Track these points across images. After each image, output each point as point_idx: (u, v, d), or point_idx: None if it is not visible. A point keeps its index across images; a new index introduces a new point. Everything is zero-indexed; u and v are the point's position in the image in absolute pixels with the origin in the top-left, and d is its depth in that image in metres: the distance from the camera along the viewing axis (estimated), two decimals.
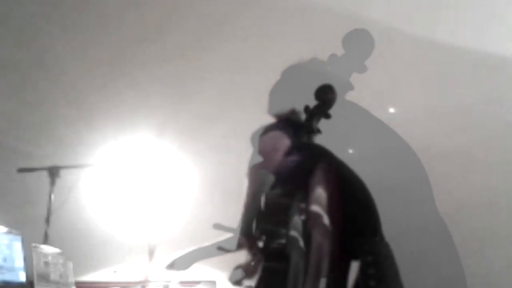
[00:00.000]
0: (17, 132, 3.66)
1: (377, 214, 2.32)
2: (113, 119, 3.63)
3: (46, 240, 3.13)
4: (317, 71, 2.66)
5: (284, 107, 2.51)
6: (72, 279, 2.94)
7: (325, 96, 2.35)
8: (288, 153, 2.35)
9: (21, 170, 3.34)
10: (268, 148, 2.41)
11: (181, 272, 2.77)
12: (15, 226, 2.80)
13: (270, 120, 2.56)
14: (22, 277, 2.71)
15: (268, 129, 2.44)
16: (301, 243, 2.19)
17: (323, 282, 2.12)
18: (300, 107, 2.40)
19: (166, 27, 3.59)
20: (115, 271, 3.34)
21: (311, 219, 2.20)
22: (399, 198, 2.81)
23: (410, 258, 2.42)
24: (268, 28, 3.47)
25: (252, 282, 2.29)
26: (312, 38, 3.29)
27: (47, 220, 3.20)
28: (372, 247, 2.27)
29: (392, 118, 3.08)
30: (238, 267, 2.26)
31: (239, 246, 2.45)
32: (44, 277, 2.75)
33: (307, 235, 2.19)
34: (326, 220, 2.18)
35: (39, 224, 3.19)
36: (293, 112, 2.46)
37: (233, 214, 2.53)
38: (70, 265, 2.96)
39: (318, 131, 2.35)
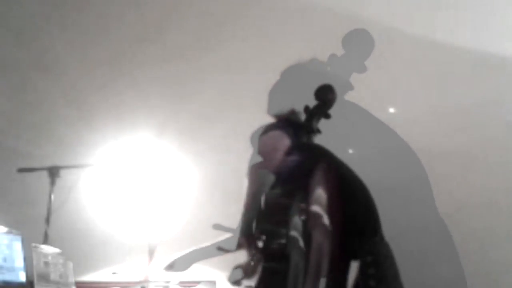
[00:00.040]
0: (17, 132, 3.65)
1: (377, 214, 2.32)
2: (113, 119, 3.62)
3: (46, 240, 3.13)
4: (317, 71, 2.66)
5: (284, 107, 2.51)
6: (72, 279, 2.94)
7: (325, 96, 2.35)
8: (288, 153, 2.35)
9: (21, 170, 3.34)
10: (268, 148, 2.42)
11: (181, 272, 2.78)
12: (15, 226, 2.80)
13: (270, 120, 2.56)
14: (22, 277, 2.71)
15: (268, 129, 2.45)
16: (301, 243, 2.19)
17: (323, 282, 2.13)
18: (299, 108, 2.40)
19: (166, 27, 3.59)
20: (114, 273, 3.34)
21: (311, 219, 2.20)
22: (399, 198, 2.82)
23: (410, 258, 2.42)
24: (268, 28, 3.47)
25: (251, 282, 2.29)
26: (312, 38, 3.29)
27: (47, 220, 3.20)
28: (372, 247, 2.27)
29: (392, 118, 3.08)
30: (237, 267, 2.26)
31: (239, 246, 2.45)
32: (44, 277, 2.75)
33: (307, 235, 2.19)
34: (326, 220, 2.18)
35: (39, 224, 3.19)
36: (293, 112, 2.47)
37: (233, 214, 2.53)
38: (70, 265, 2.96)
39: (318, 131, 2.35)
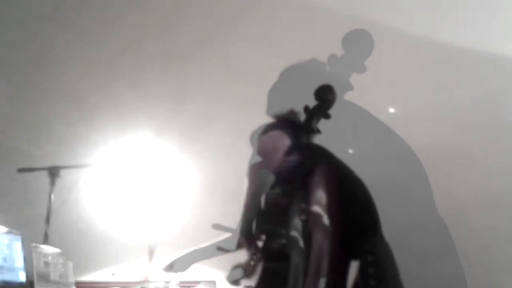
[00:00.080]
0: (17, 132, 3.66)
1: (377, 214, 2.32)
2: (113, 119, 3.63)
3: (46, 240, 3.13)
4: (316, 71, 2.66)
5: (283, 107, 2.51)
6: (72, 279, 2.94)
7: (325, 96, 2.35)
8: (288, 153, 2.35)
9: (21, 170, 3.34)
10: (269, 148, 2.41)
11: (180, 273, 2.78)
12: (15, 226, 2.80)
13: (270, 120, 2.56)
14: (22, 277, 2.71)
15: (267, 129, 2.44)
16: (301, 243, 2.19)
17: (323, 282, 2.13)
18: (298, 108, 2.40)
19: (166, 27, 3.59)
20: (113, 274, 3.34)
21: (311, 219, 2.20)
22: (399, 198, 2.82)
23: (410, 258, 2.42)
24: (268, 29, 3.47)
25: (251, 282, 2.29)
26: (312, 38, 3.29)
27: (47, 220, 3.20)
28: (372, 247, 2.27)
29: (392, 118, 3.08)
30: (236, 266, 2.26)
31: (239, 246, 2.45)
32: (44, 277, 2.75)
33: (307, 235, 2.19)
34: (326, 220, 2.18)
35: (39, 224, 3.19)
36: (292, 113, 2.47)
37: (233, 214, 2.53)
38: (70, 265, 2.95)
39: (318, 131, 2.35)
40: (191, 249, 2.77)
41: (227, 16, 3.52)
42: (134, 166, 3.50)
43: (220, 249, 2.55)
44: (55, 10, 3.61)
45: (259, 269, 2.28)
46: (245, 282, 2.28)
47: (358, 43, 2.70)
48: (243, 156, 2.63)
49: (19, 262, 2.72)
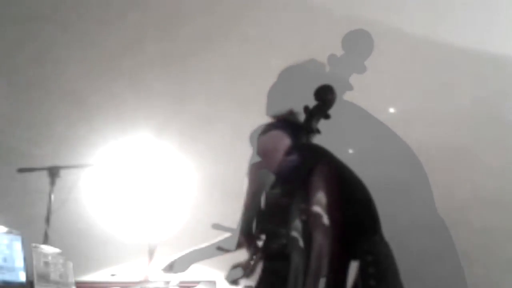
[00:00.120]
0: (17, 132, 3.66)
1: (377, 213, 2.32)
2: (113, 119, 3.63)
3: (46, 240, 3.13)
4: (315, 71, 2.66)
5: (282, 108, 2.51)
6: (72, 279, 2.94)
7: (325, 97, 2.35)
8: (288, 153, 2.35)
9: (21, 170, 3.34)
10: (268, 148, 2.41)
11: (180, 273, 2.78)
12: (15, 226, 2.80)
13: (270, 120, 2.56)
14: (22, 277, 2.70)
15: (267, 129, 2.44)
16: (301, 243, 2.19)
17: (323, 282, 2.13)
18: (298, 108, 2.40)
19: (167, 27, 3.59)
20: (112, 275, 3.33)
21: (311, 219, 2.20)
22: (399, 198, 2.81)
23: (410, 257, 2.42)
24: (268, 29, 3.47)
25: (251, 282, 2.29)
26: (312, 38, 3.29)
27: (47, 220, 3.20)
28: (372, 246, 2.27)
29: (392, 118, 3.08)
30: (236, 266, 2.26)
31: (239, 246, 2.45)
32: (44, 277, 2.75)
33: (307, 235, 2.19)
34: (326, 220, 2.18)
35: (39, 224, 3.19)
36: (291, 113, 2.46)
37: (233, 214, 2.53)
38: (70, 265, 2.95)
39: (318, 131, 2.35)
40: (191, 249, 2.77)
41: (227, 16, 3.53)
42: (134, 166, 3.50)
43: (220, 249, 2.55)
44: (55, 10, 3.62)
45: (258, 269, 2.29)
46: (245, 282, 2.29)
47: (358, 43, 2.70)
48: (243, 156, 2.63)
49: (19, 262, 2.72)
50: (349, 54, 2.69)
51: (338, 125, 2.43)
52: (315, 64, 2.69)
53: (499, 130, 3.16)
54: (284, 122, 2.45)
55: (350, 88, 2.69)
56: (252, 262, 2.25)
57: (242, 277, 2.23)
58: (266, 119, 2.55)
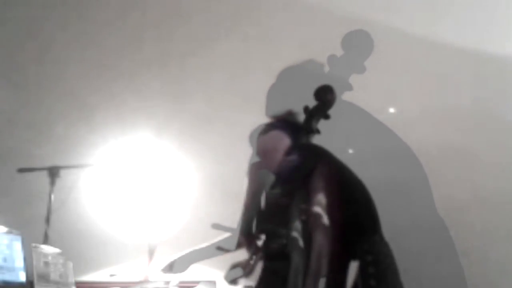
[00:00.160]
0: (17, 132, 3.66)
1: (377, 213, 2.32)
2: (113, 119, 3.63)
3: (46, 240, 3.13)
4: (314, 72, 2.67)
5: (281, 108, 2.51)
6: (72, 279, 2.94)
7: (325, 97, 2.35)
8: (288, 153, 2.35)
9: (21, 170, 3.34)
10: (268, 148, 2.41)
11: (179, 274, 2.78)
12: (15, 226, 2.80)
13: (270, 120, 2.56)
14: (22, 277, 2.70)
15: (267, 129, 2.44)
16: (301, 243, 2.19)
17: (323, 282, 2.13)
18: (297, 109, 2.40)
19: (166, 27, 3.59)
20: (111, 275, 3.33)
21: (311, 220, 2.20)
22: (399, 198, 2.81)
23: (410, 257, 2.42)
24: (268, 29, 3.47)
25: (251, 281, 2.29)
26: (312, 38, 3.29)
27: (47, 220, 3.20)
28: (371, 246, 2.27)
29: (392, 118, 3.08)
30: (235, 265, 2.26)
31: (239, 246, 2.45)
32: (44, 277, 2.74)
33: (307, 235, 2.19)
34: (326, 220, 2.18)
35: (39, 224, 3.19)
36: (290, 113, 2.46)
37: (233, 214, 2.53)
38: (70, 265, 2.95)
39: (318, 131, 2.35)
40: (190, 249, 2.77)
41: (226, 16, 3.52)
42: (134, 166, 3.50)
43: (220, 249, 2.55)
44: (55, 10, 3.62)
45: (258, 268, 2.29)
46: (245, 282, 2.29)
47: (358, 43, 2.70)
48: (243, 156, 2.63)
49: (19, 262, 2.71)
50: (349, 54, 2.69)
51: (338, 125, 2.43)
52: (314, 64, 2.70)
53: (499, 130, 3.16)
54: (284, 122, 2.46)
55: (350, 88, 2.69)
56: (251, 262, 2.25)
57: (241, 276, 2.23)
58: (266, 119, 2.55)
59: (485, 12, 3.19)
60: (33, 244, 2.79)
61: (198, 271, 3.01)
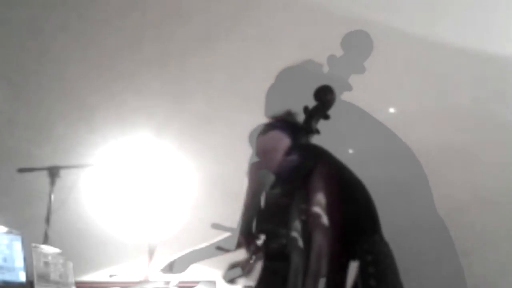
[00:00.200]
0: (17, 132, 3.66)
1: (376, 213, 2.33)
2: (113, 119, 3.63)
3: (46, 240, 3.13)
4: (313, 72, 2.67)
5: (281, 109, 2.51)
6: (72, 279, 2.94)
7: (324, 97, 2.35)
8: (288, 153, 2.35)
9: (21, 170, 3.35)
10: (268, 148, 2.41)
11: (179, 274, 2.78)
12: (15, 226, 2.80)
13: (269, 120, 2.56)
14: (22, 277, 2.70)
15: (266, 129, 2.44)
16: (301, 243, 2.19)
17: (322, 282, 2.13)
18: (296, 109, 2.40)
19: (166, 27, 3.58)
20: (111, 275, 3.33)
21: (311, 220, 2.20)
22: (399, 198, 2.82)
23: (409, 257, 2.42)
24: (268, 29, 3.46)
25: (251, 281, 2.29)
26: (312, 39, 3.29)
27: (47, 220, 3.20)
28: (371, 246, 2.28)
29: (392, 118, 3.08)
30: (233, 265, 2.26)
31: (239, 246, 2.45)
32: (44, 277, 2.75)
33: (307, 235, 2.19)
34: (326, 220, 2.18)
35: (39, 224, 3.19)
36: (289, 114, 2.47)
37: (233, 214, 2.53)
38: (70, 265, 2.96)
39: (317, 131, 2.35)
40: (190, 249, 2.77)
41: (226, 16, 3.52)
42: (134, 166, 3.50)
43: (220, 249, 2.55)
44: (55, 10, 3.61)
45: (258, 268, 2.29)
46: (244, 282, 2.29)
47: (358, 43, 2.71)
48: (243, 156, 2.63)
49: (19, 262, 2.72)
50: (349, 54, 2.69)
51: (338, 125, 2.43)
52: (313, 64, 2.70)
53: (499, 130, 3.16)
54: (284, 122, 2.46)
55: (350, 88, 2.69)
56: (251, 262, 2.25)
57: (239, 276, 2.23)
58: (266, 119, 2.55)
59: (485, 12, 3.19)
60: (33, 244, 2.79)
61: (198, 271, 3.01)
